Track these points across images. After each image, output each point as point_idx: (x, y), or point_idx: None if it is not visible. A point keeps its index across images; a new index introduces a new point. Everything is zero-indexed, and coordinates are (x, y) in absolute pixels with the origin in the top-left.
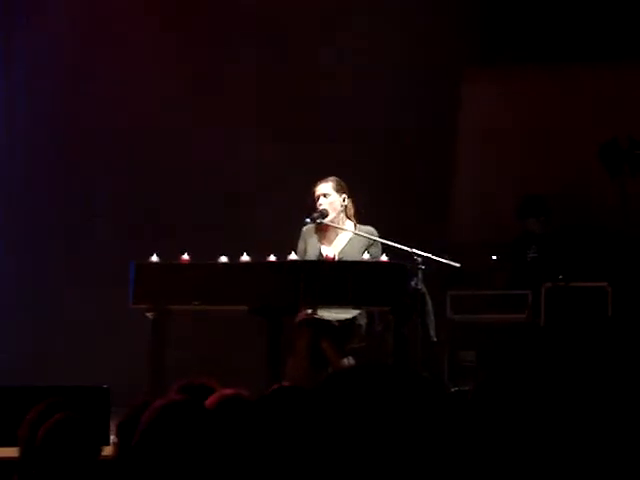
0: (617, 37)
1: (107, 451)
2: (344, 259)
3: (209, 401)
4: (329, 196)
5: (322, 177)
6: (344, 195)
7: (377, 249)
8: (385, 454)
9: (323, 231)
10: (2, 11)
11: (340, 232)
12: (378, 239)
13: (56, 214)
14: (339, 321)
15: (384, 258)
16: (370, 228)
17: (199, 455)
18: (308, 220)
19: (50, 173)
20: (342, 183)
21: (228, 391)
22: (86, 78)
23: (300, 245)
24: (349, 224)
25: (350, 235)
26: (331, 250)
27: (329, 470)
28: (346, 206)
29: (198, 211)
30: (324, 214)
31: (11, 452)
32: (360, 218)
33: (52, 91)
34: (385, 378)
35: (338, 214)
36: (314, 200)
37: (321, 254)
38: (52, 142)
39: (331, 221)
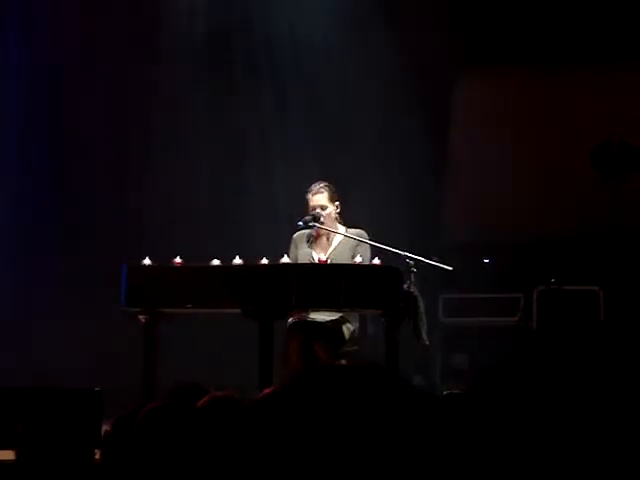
0: (612, 38)
1: (99, 454)
2: (334, 261)
3: (200, 403)
4: (326, 208)
5: (314, 180)
6: (337, 202)
7: (365, 249)
8: (362, 460)
9: (314, 237)
10: None
11: (331, 237)
12: (366, 241)
13: (50, 216)
14: (330, 321)
15: (376, 261)
16: (360, 231)
17: (190, 457)
18: (301, 224)
19: (46, 174)
20: (333, 189)
21: (219, 393)
22: (87, 79)
23: (292, 251)
24: (340, 228)
25: (340, 238)
26: (322, 255)
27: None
28: (338, 213)
29: (191, 215)
30: (317, 218)
31: (4, 455)
32: (352, 219)
33: (51, 89)
34: (353, 378)
35: (332, 222)
36: (310, 208)
37: (312, 259)
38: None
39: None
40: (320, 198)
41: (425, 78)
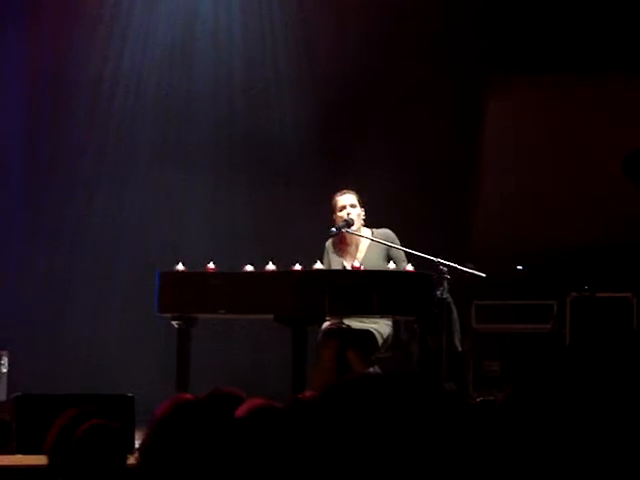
0: None
1: (132, 459)
2: (366, 267)
3: (240, 410)
4: (356, 207)
5: (343, 189)
6: (363, 208)
7: (397, 251)
8: (400, 466)
9: (343, 244)
10: None
11: (359, 243)
12: (397, 246)
13: (77, 222)
14: (363, 328)
15: (409, 267)
16: (386, 230)
17: (224, 462)
18: (334, 230)
19: (78, 179)
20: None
21: (258, 401)
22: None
23: (325, 259)
24: (366, 232)
25: (367, 242)
26: (353, 262)
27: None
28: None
29: (224, 219)
30: (350, 223)
31: (37, 460)
32: (383, 225)
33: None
34: (393, 386)
35: (360, 226)
36: (338, 209)
37: (344, 267)
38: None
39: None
40: (351, 198)
41: (454, 89)
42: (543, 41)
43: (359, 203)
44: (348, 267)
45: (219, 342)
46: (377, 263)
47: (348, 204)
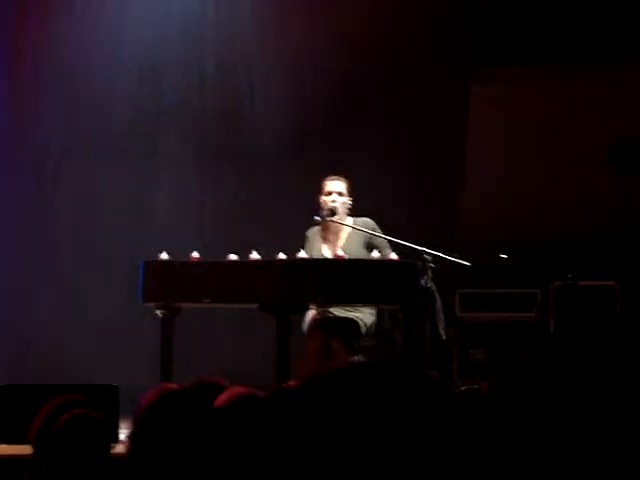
0: (627, 37)
1: (116, 449)
2: (347, 254)
3: (220, 399)
4: (343, 195)
5: (334, 174)
6: (351, 197)
7: (380, 239)
8: (385, 456)
9: (325, 232)
10: None
11: (340, 231)
12: (376, 233)
13: (64, 213)
14: (347, 316)
15: (394, 256)
16: (366, 219)
17: (205, 453)
18: (317, 218)
19: (67, 171)
20: (350, 184)
21: (240, 390)
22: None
23: (306, 248)
24: (348, 220)
25: (349, 231)
26: (334, 249)
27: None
28: (349, 208)
29: (209, 208)
30: (333, 212)
31: (21, 449)
32: (368, 215)
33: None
34: (380, 376)
35: (344, 214)
36: (324, 193)
37: (324, 255)
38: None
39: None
40: (339, 185)
41: (440, 80)
42: (531, 32)
43: (347, 192)
44: (327, 254)
45: (202, 332)
46: (357, 251)
47: (335, 191)
